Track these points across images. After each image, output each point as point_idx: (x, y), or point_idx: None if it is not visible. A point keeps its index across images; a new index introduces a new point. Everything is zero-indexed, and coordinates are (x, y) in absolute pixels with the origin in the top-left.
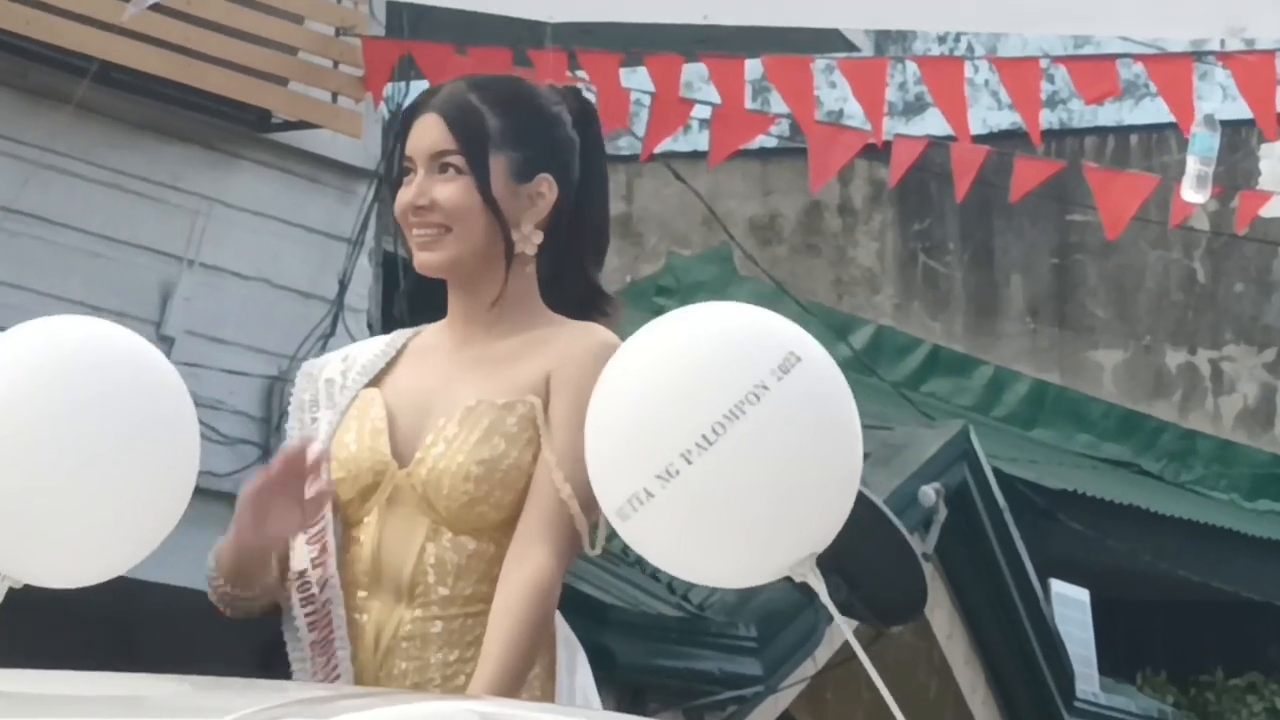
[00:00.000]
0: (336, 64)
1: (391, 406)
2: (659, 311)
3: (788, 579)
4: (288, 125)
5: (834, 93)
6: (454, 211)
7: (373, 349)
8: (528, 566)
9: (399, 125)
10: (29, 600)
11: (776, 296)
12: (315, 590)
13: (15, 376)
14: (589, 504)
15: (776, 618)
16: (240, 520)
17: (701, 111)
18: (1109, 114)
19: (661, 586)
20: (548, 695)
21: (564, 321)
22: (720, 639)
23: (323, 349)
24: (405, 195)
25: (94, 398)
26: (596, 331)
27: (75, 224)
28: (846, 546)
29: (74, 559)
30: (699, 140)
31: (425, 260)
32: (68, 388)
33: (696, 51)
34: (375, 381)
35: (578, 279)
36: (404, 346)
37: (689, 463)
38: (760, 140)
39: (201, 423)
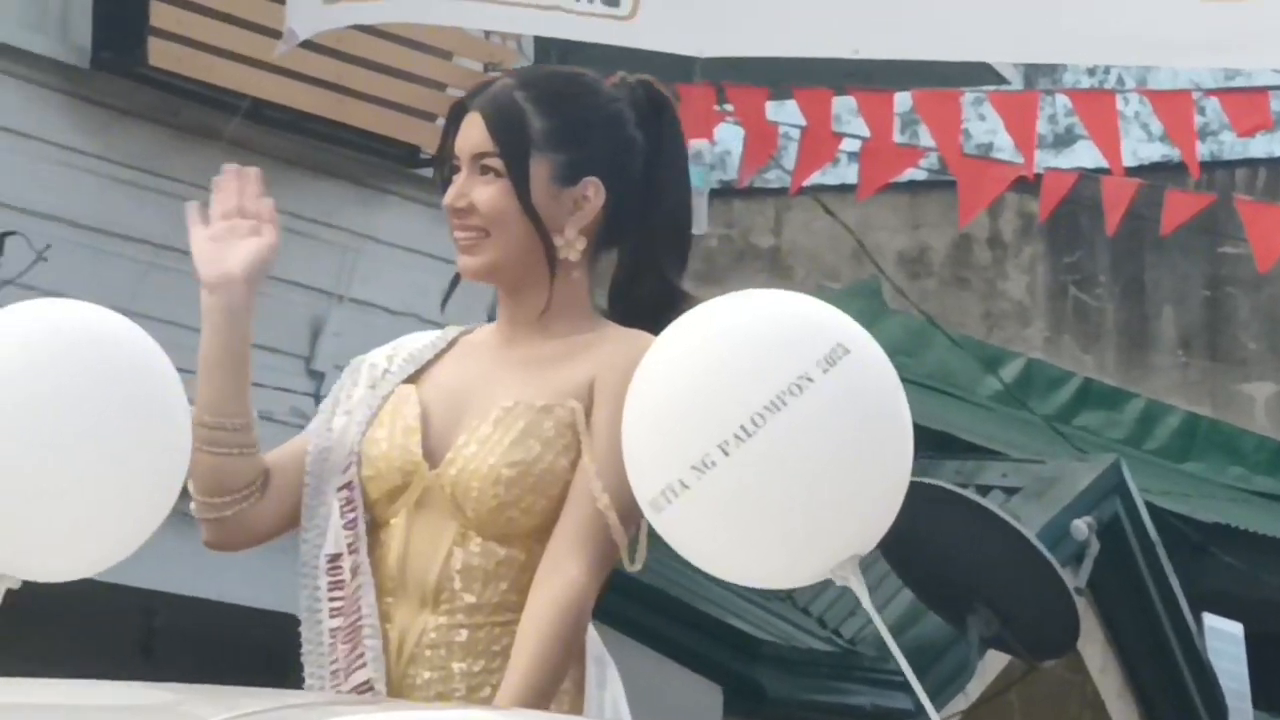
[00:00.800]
0: None
1: (428, 403)
2: None
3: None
4: None
5: (983, 125)
6: (491, 215)
7: (422, 340)
8: (560, 578)
9: (448, 121)
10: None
11: (926, 330)
12: (346, 576)
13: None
14: (628, 515)
15: (929, 651)
16: (200, 266)
17: (850, 145)
18: (1260, 146)
19: (813, 621)
20: (576, 710)
21: (612, 327)
22: (872, 673)
23: None
24: (446, 196)
25: (77, 380)
26: (644, 339)
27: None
28: (999, 580)
29: (66, 550)
30: (847, 173)
31: (465, 264)
32: (51, 371)
33: (845, 85)
34: (418, 375)
35: (653, 280)
36: (454, 341)
37: (726, 454)
38: (909, 173)
39: None
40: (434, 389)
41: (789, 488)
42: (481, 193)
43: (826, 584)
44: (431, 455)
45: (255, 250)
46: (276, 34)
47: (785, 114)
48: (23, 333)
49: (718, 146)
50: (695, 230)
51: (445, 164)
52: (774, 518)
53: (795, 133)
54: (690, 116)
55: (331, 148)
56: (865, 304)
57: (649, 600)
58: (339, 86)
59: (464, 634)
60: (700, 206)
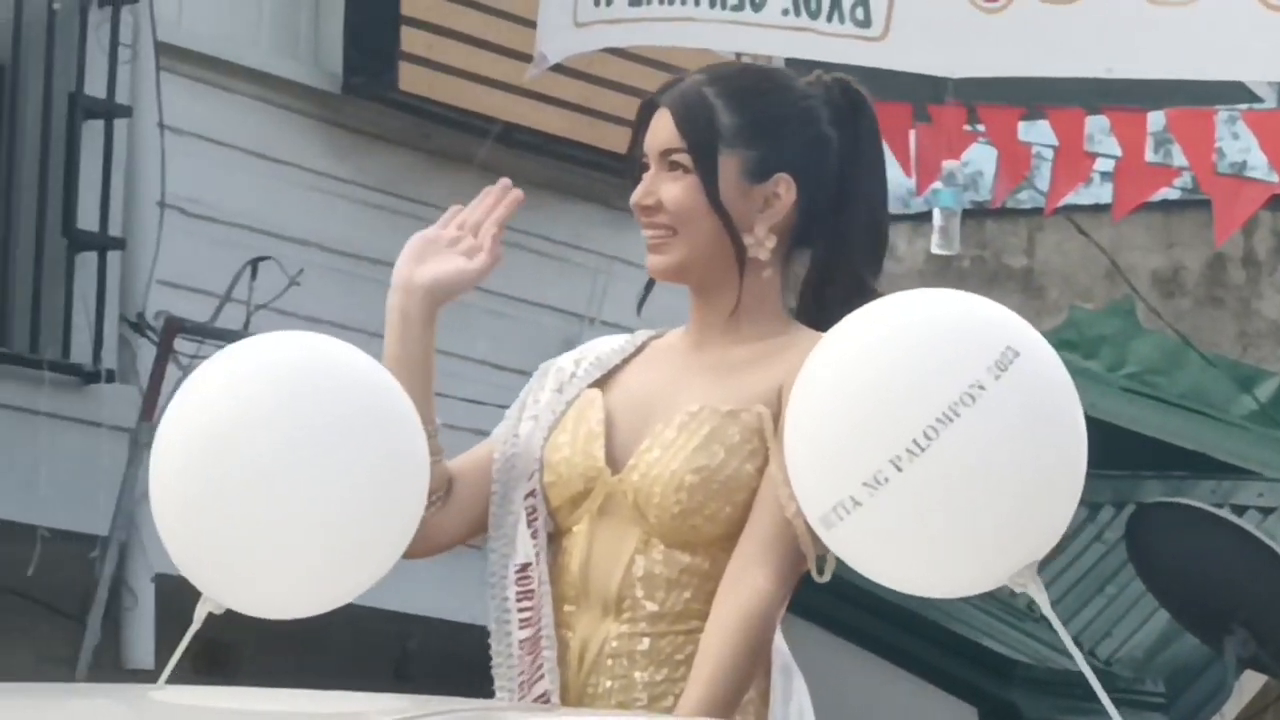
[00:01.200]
0: None
1: (613, 408)
2: None
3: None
4: None
5: (1237, 144)
6: (679, 212)
7: (611, 344)
8: (746, 587)
9: (637, 119)
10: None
11: (1181, 349)
12: (535, 585)
13: (256, 393)
14: None
15: (1185, 673)
16: (398, 261)
17: (1103, 164)
18: None
19: None
20: None
21: (804, 331)
22: (1128, 694)
23: None
24: (634, 194)
25: (333, 426)
26: None
27: (479, 284)
28: (1256, 601)
29: (288, 590)
30: (1100, 193)
31: (653, 263)
32: (307, 415)
33: (1098, 104)
34: (605, 380)
35: (846, 281)
36: (642, 346)
37: (899, 469)
38: (1163, 192)
39: None
40: (621, 394)
41: (966, 502)
42: (669, 189)
43: (1083, 604)
44: (615, 461)
45: (453, 270)
46: (526, 58)
47: (1038, 134)
48: (278, 366)
49: (970, 167)
50: (949, 251)
51: (635, 163)
52: (951, 533)
53: (1048, 153)
54: (942, 137)
55: (582, 170)
56: (1120, 324)
57: (903, 622)
58: (589, 109)
59: (646, 642)
60: (953, 227)
